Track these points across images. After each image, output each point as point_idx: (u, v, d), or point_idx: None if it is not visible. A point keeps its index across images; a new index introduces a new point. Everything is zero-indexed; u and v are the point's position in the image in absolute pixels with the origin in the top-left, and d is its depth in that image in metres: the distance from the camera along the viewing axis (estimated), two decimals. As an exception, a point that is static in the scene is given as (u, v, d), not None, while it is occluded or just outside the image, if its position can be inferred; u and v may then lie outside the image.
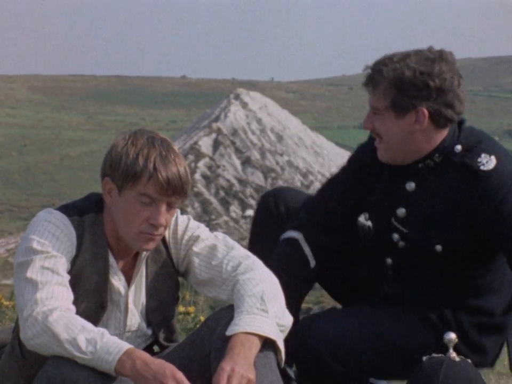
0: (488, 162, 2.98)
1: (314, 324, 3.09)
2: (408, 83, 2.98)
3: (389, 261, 3.17)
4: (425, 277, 3.13)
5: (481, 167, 2.97)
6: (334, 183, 3.27)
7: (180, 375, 2.49)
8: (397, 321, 3.12)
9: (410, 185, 3.09)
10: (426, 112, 2.99)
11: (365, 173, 3.19)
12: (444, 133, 3.05)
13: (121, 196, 2.70)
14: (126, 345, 2.53)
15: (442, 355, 2.92)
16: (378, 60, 3.06)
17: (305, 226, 3.22)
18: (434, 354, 2.93)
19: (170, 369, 2.49)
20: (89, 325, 2.58)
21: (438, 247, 3.05)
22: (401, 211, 3.10)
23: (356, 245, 3.31)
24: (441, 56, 3.01)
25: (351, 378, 3.14)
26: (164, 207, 2.69)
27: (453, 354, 2.92)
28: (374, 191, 3.16)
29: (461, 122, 3.08)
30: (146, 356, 2.52)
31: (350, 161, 3.27)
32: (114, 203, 2.72)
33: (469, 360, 2.97)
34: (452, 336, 2.93)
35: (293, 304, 3.12)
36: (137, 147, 2.68)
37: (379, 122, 3.05)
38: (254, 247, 3.33)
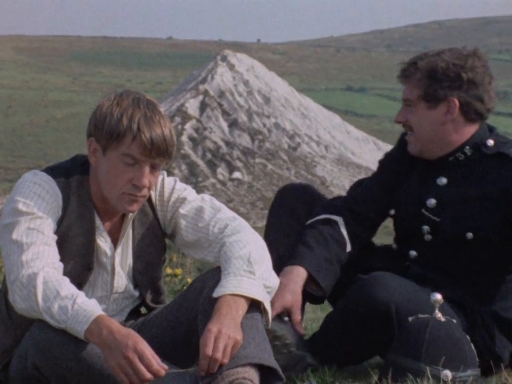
0: None
1: (386, 281, 3.04)
2: (442, 73, 3.10)
3: (413, 253, 3.21)
4: (448, 268, 3.16)
5: None
6: (370, 180, 3.35)
7: (141, 347, 2.46)
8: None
9: (442, 180, 3.18)
10: (457, 102, 3.11)
11: (397, 170, 3.28)
12: (473, 128, 3.16)
13: (105, 156, 2.68)
14: (96, 313, 2.50)
15: (428, 315, 2.94)
16: (414, 56, 3.21)
17: (343, 212, 3.27)
18: (420, 315, 2.95)
19: (133, 340, 2.46)
20: (64, 289, 2.54)
21: (469, 235, 3.11)
22: (431, 201, 3.17)
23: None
24: (475, 53, 3.15)
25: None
26: (147, 169, 2.67)
27: (438, 314, 2.94)
28: (405, 185, 3.24)
29: (492, 128, 3.20)
30: (114, 324, 2.49)
31: (382, 161, 3.37)
32: (98, 164, 2.71)
33: (454, 321, 2.99)
34: (438, 296, 2.95)
35: (326, 276, 3.15)
36: (122, 107, 2.66)
37: (411, 114, 3.17)
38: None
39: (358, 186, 3.35)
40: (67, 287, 2.55)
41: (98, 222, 2.77)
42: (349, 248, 3.24)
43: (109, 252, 2.79)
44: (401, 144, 3.31)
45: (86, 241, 2.74)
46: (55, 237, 2.68)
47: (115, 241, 2.81)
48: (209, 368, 2.52)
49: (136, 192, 2.68)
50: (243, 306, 2.60)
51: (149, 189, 2.71)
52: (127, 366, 2.44)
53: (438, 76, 3.10)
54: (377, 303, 3.01)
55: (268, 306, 2.67)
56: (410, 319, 2.95)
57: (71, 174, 2.75)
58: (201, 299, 2.70)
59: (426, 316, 2.94)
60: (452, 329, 2.92)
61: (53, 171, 2.75)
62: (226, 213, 2.82)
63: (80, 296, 2.53)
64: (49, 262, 2.60)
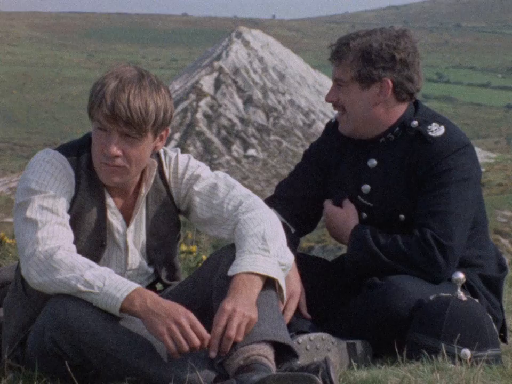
0: (437, 130, 3.11)
1: (404, 287, 3.00)
2: (375, 54, 3.11)
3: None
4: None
5: (430, 133, 3.10)
6: (296, 177, 3.32)
7: (192, 315, 2.52)
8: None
9: (372, 162, 3.19)
10: (390, 83, 3.12)
11: (325, 159, 3.27)
12: (403, 108, 3.18)
13: (92, 126, 2.70)
14: (135, 285, 2.56)
15: (450, 294, 2.92)
16: (343, 36, 3.20)
17: (279, 209, 3.24)
18: (442, 294, 2.93)
19: (182, 307, 2.53)
20: (95, 264, 2.60)
21: (402, 217, 3.13)
22: (365, 187, 3.18)
23: None
24: (405, 33, 3.16)
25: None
26: (116, 137, 2.65)
27: (460, 293, 2.92)
28: (337, 175, 3.25)
29: (417, 102, 3.22)
30: (156, 295, 2.55)
31: (307, 152, 3.35)
32: None
33: (476, 300, 2.97)
34: (460, 276, 2.93)
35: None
36: (105, 79, 2.67)
37: (344, 94, 3.17)
38: None
39: (287, 186, 3.31)
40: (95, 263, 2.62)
41: (108, 199, 2.77)
42: (293, 230, 3.24)
43: (121, 229, 2.79)
44: (329, 132, 3.30)
45: (97, 219, 2.74)
46: (69, 217, 2.68)
47: (128, 219, 2.81)
48: (223, 347, 2.53)
49: (108, 161, 2.67)
50: (258, 284, 2.59)
51: (130, 161, 2.67)
52: (177, 332, 2.48)
53: (372, 56, 3.11)
54: (398, 312, 2.97)
55: (282, 284, 2.66)
56: (431, 297, 2.93)
57: (82, 152, 2.75)
58: (216, 276, 2.70)
59: (447, 295, 2.92)
60: (473, 308, 2.90)
61: (65, 149, 2.75)
62: (240, 190, 2.81)
63: (113, 271, 2.59)
64: (63, 244, 2.62)
